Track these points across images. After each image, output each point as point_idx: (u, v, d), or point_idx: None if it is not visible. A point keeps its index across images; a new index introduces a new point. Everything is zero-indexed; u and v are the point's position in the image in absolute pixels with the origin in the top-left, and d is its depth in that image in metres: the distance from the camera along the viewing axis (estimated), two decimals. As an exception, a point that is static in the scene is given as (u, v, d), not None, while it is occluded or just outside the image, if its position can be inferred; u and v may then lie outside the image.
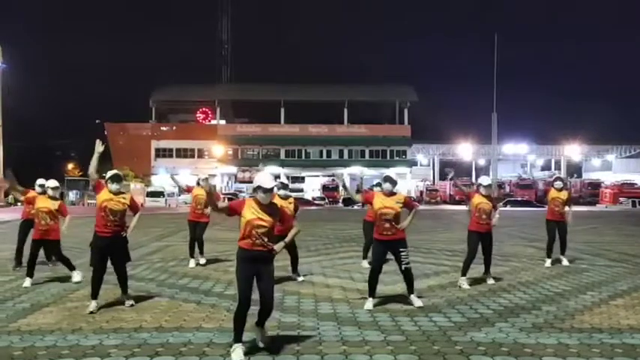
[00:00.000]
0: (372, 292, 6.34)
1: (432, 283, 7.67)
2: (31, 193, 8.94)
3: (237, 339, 4.53)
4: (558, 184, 9.78)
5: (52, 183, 8.06)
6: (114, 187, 6.17)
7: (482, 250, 7.68)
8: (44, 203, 7.79)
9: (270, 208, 4.66)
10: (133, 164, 54.32)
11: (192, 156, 60.28)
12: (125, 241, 6.26)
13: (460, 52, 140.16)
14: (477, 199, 7.66)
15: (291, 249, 7.81)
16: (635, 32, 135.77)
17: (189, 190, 9.98)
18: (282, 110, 61.06)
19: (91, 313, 5.93)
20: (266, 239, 4.57)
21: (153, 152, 59.87)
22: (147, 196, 42.94)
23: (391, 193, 6.36)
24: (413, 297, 6.37)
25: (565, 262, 9.50)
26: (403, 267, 6.29)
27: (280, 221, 4.81)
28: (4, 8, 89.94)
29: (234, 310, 6.18)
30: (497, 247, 12.69)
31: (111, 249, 6.12)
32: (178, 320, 5.68)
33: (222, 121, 62.70)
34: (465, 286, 7.38)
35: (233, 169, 59.49)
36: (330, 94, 59.52)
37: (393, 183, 6.40)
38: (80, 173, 58.87)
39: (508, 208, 37.86)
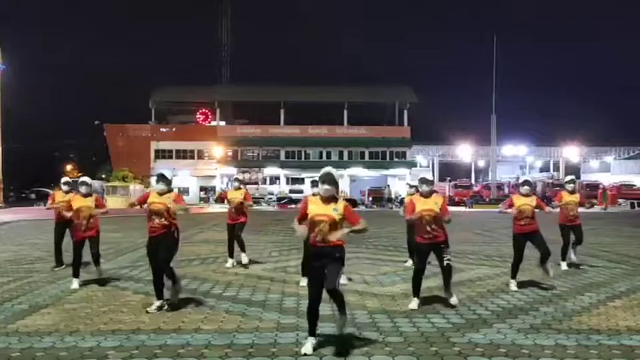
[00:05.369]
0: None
1: (431, 284, 7.67)
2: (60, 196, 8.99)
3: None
4: (571, 186, 9.58)
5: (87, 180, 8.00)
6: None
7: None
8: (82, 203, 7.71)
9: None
10: (133, 165, 54.28)
11: (192, 157, 60.26)
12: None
13: (460, 52, 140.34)
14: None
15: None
16: (634, 33, 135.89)
17: (224, 195, 10.19)
18: (282, 111, 61.09)
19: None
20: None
21: (152, 153, 59.77)
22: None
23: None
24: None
25: (565, 266, 9.38)
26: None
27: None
28: (3, 9, 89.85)
29: (232, 311, 6.22)
30: (496, 247, 12.72)
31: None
32: (177, 322, 5.69)
33: (222, 123, 62.67)
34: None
35: (233, 171, 59.50)
36: (330, 95, 59.49)
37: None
38: (79, 174, 58.79)
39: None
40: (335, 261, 4.73)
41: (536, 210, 7.58)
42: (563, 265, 9.32)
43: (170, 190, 6.39)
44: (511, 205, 7.60)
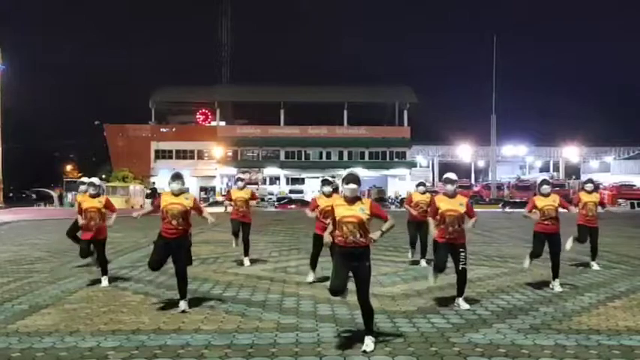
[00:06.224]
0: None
1: (431, 284, 7.67)
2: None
3: None
4: (590, 186, 9.55)
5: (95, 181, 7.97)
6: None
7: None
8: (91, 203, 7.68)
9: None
10: (133, 165, 54.31)
11: (192, 157, 60.28)
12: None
13: (460, 52, 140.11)
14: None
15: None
16: (634, 33, 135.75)
17: (228, 197, 10.35)
18: (282, 112, 61.10)
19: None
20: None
21: (152, 154, 59.81)
22: (146, 197, 42.97)
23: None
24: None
25: (596, 266, 9.32)
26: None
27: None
28: (3, 9, 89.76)
29: (232, 311, 6.23)
30: (496, 247, 12.73)
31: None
32: (177, 322, 5.69)
33: (222, 123, 62.70)
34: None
35: (233, 171, 59.53)
36: (330, 95, 59.50)
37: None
38: (79, 175, 58.79)
39: (507, 209, 37.89)
40: (365, 268, 4.80)
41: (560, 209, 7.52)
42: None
43: (183, 191, 6.38)
44: (534, 207, 7.53)
